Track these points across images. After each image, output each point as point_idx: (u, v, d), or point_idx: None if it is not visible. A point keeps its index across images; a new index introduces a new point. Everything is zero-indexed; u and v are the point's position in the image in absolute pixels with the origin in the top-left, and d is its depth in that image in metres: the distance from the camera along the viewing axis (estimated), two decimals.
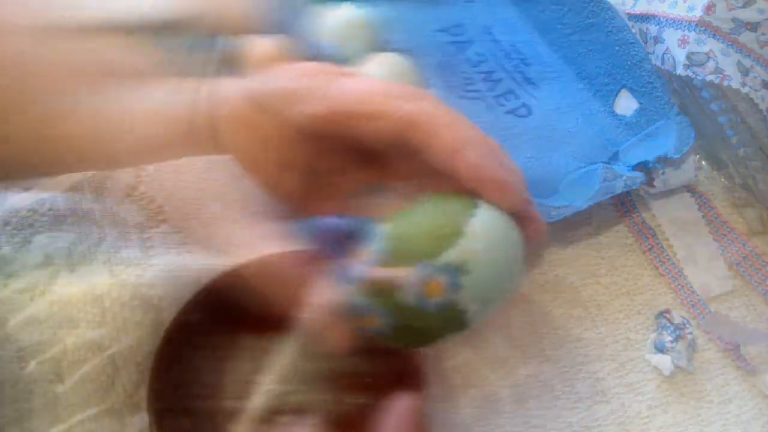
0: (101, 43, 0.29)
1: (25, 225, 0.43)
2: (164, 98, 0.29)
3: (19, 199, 0.44)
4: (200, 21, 0.31)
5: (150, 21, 0.30)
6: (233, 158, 0.31)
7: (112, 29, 0.29)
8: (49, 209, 0.44)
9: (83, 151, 0.31)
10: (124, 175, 0.45)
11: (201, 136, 0.30)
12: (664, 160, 0.45)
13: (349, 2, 0.47)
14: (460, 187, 0.27)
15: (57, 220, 0.43)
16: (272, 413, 0.36)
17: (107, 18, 0.29)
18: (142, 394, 0.35)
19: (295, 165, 0.30)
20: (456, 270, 0.24)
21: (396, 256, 0.25)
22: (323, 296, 0.28)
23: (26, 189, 0.44)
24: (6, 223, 0.43)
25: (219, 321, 0.36)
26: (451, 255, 0.24)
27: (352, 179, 0.32)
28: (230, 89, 0.29)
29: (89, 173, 0.44)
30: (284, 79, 0.28)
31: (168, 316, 0.40)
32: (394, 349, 0.35)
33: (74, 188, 0.44)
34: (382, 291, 0.25)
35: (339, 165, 0.31)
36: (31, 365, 0.39)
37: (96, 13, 0.29)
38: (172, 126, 0.29)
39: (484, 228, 0.25)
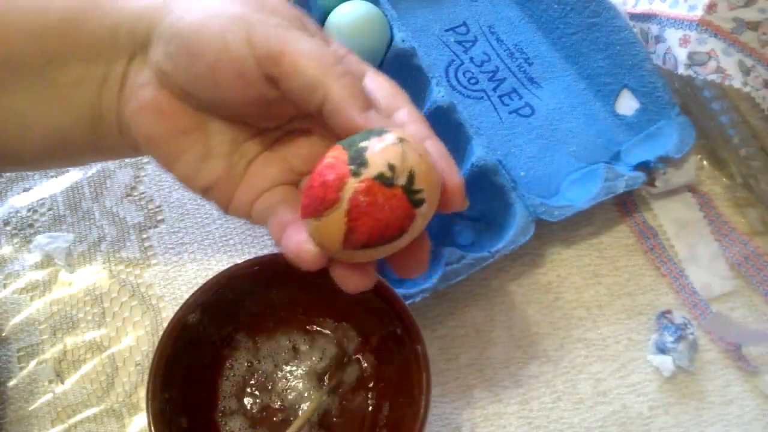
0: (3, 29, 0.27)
1: (25, 225, 0.43)
2: (68, 89, 0.27)
3: (19, 199, 0.44)
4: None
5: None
6: (148, 154, 0.29)
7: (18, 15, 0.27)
8: (49, 209, 0.43)
9: None
10: (124, 175, 0.45)
11: (108, 130, 0.28)
12: (666, 160, 0.45)
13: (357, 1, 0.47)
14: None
15: (57, 220, 0.43)
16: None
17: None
18: (142, 394, 0.35)
19: (216, 151, 0.28)
20: None
21: None
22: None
23: (26, 189, 0.44)
24: (6, 223, 0.43)
25: (219, 321, 0.36)
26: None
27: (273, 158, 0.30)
28: (140, 77, 0.27)
29: (89, 173, 0.44)
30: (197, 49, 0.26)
31: (168, 316, 0.40)
32: (402, 351, 0.35)
33: (74, 188, 0.44)
34: None
35: (259, 145, 0.30)
36: (31, 365, 0.39)
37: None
38: (77, 120, 0.28)
39: None
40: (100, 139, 0.29)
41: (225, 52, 0.25)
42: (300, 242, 0.26)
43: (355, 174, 0.23)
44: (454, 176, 0.26)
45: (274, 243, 0.29)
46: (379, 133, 0.24)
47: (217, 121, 0.28)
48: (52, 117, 0.28)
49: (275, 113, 0.28)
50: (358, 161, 0.23)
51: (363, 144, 0.24)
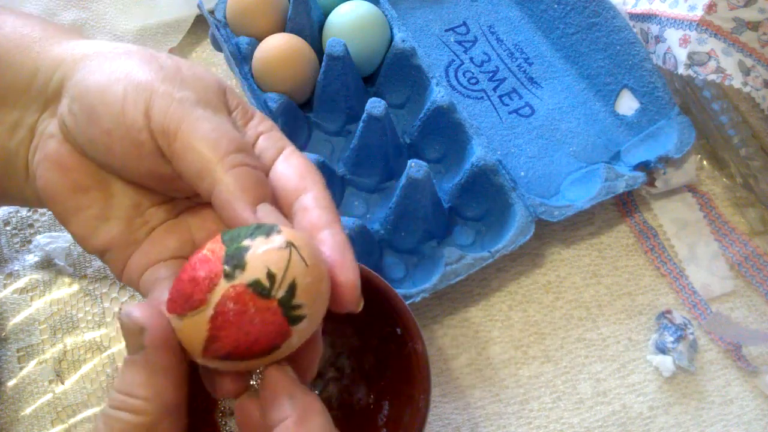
0: None
1: (25, 225, 0.43)
2: None
3: None
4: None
5: None
6: (46, 207, 0.28)
7: None
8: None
9: None
10: None
11: (15, 177, 0.28)
12: (666, 160, 0.45)
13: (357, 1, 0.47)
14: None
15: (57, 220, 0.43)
16: None
17: None
18: None
19: (115, 214, 0.27)
20: None
21: None
22: None
23: None
24: (6, 223, 0.43)
25: None
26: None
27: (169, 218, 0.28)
28: (49, 128, 0.26)
29: None
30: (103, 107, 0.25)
31: None
32: (402, 351, 0.35)
33: None
34: None
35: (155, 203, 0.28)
36: (31, 365, 0.39)
37: None
38: None
39: None
40: (6, 184, 0.28)
41: (121, 119, 0.24)
42: (160, 325, 0.22)
43: (228, 276, 0.21)
44: (349, 273, 0.23)
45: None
46: (269, 231, 0.22)
47: (121, 183, 0.27)
48: None
49: (175, 187, 0.26)
50: (235, 262, 0.21)
51: (246, 242, 0.21)
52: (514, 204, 0.42)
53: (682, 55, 0.45)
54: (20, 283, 0.41)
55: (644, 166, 0.45)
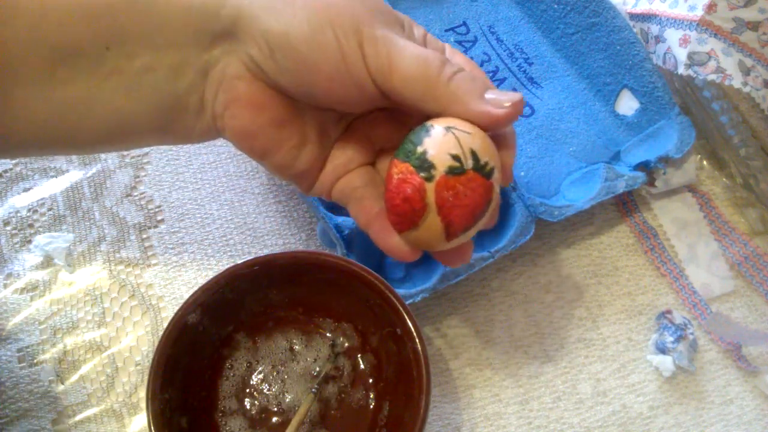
0: (60, 20, 0.25)
1: (25, 225, 0.43)
2: (134, 76, 0.26)
3: (19, 199, 0.44)
4: None
5: None
6: (237, 145, 0.29)
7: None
8: (49, 209, 0.43)
9: (46, 136, 0.27)
10: (124, 175, 0.45)
11: (183, 117, 0.28)
12: (666, 160, 0.45)
13: None
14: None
15: (57, 220, 0.43)
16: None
17: None
18: (142, 394, 0.35)
19: (310, 138, 0.29)
20: None
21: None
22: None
23: (26, 189, 0.44)
24: (6, 223, 0.43)
25: (219, 321, 0.36)
26: None
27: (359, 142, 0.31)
28: (230, 69, 0.27)
29: (89, 173, 0.44)
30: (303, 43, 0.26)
31: (168, 316, 0.40)
32: (402, 351, 0.35)
33: (74, 188, 0.44)
34: None
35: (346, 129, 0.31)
36: (31, 365, 0.39)
37: None
38: (143, 107, 0.27)
39: None
40: (170, 124, 0.28)
41: (343, 67, 0.26)
42: (396, 245, 0.28)
43: (429, 179, 0.25)
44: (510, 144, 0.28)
45: (358, 225, 0.31)
46: (426, 131, 0.26)
47: (310, 109, 0.29)
48: (113, 104, 0.27)
49: (367, 107, 0.29)
50: (426, 166, 0.25)
51: (419, 149, 0.25)
52: (514, 204, 0.42)
53: (682, 55, 0.45)
54: (20, 283, 0.41)
55: (644, 166, 0.45)
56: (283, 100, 0.28)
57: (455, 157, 0.25)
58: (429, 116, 0.27)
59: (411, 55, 0.26)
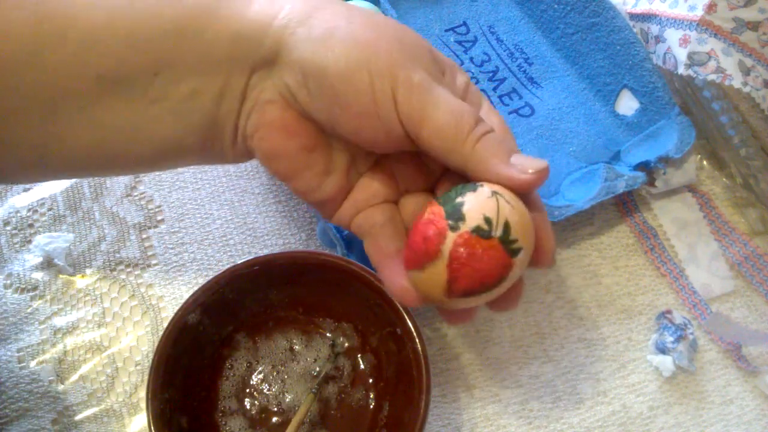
0: (105, 43, 0.25)
1: (25, 225, 0.43)
2: (181, 102, 0.27)
3: (19, 199, 0.44)
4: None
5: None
6: (266, 166, 0.30)
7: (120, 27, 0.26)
8: (49, 209, 0.43)
9: (89, 160, 0.28)
10: (123, 176, 0.45)
11: (219, 139, 0.28)
12: (666, 160, 0.45)
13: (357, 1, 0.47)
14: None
15: (57, 220, 0.43)
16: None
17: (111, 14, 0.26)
18: (142, 394, 0.35)
19: (337, 167, 0.29)
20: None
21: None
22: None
23: (26, 189, 0.44)
24: (6, 223, 0.43)
25: (219, 321, 0.36)
26: None
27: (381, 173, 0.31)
28: (265, 94, 0.27)
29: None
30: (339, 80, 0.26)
31: (168, 316, 0.40)
32: (402, 351, 0.35)
33: (74, 188, 0.44)
34: None
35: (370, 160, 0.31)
36: (31, 365, 0.39)
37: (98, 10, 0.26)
38: (189, 130, 0.28)
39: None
40: (208, 146, 0.29)
41: (373, 108, 0.26)
42: (403, 288, 0.28)
43: (453, 228, 0.25)
44: (548, 229, 0.28)
45: (370, 261, 0.31)
46: (474, 187, 0.26)
47: (341, 141, 0.29)
48: (159, 128, 0.27)
49: (395, 149, 0.29)
50: (456, 216, 0.25)
51: (459, 200, 0.25)
52: None
53: (682, 55, 0.45)
54: (20, 283, 0.41)
55: (644, 166, 0.45)
56: (313, 128, 0.28)
57: (487, 220, 0.25)
58: (455, 168, 0.27)
59: (445, 108, 0.26)
